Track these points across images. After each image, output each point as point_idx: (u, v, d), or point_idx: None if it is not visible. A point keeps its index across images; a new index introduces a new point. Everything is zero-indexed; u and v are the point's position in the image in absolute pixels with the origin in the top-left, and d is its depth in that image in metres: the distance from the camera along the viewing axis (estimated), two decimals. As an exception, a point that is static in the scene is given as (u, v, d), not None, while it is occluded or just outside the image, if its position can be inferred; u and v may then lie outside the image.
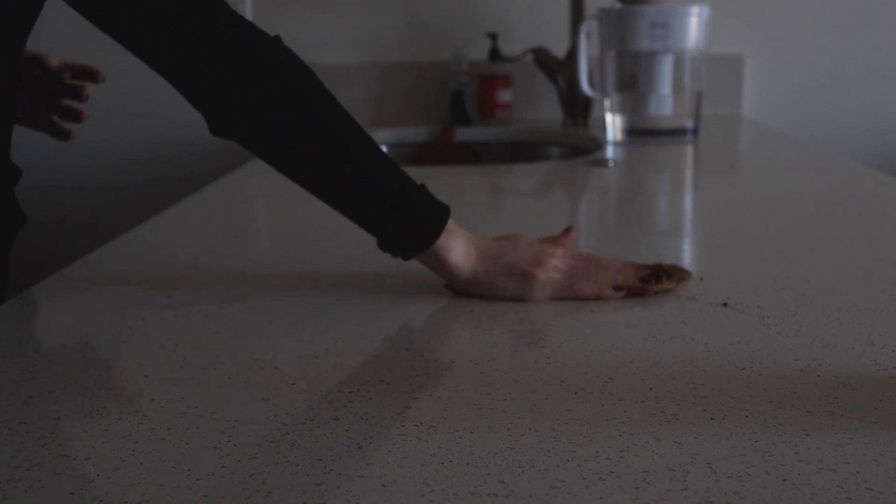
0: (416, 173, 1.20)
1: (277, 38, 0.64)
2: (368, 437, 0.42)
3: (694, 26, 1.33)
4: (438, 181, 1.12)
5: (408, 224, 0.63)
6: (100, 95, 1.97)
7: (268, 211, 0.98)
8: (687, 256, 0.74)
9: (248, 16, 1.82)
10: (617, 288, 0.63)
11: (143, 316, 0.61)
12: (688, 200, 0.98)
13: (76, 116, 0.79)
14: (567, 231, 0.71)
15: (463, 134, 1.68)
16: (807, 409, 0.43)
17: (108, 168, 1.94)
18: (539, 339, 0.54)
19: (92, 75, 0.82)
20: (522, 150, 1.67)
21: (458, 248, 0.64)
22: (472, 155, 1.68)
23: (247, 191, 1.11)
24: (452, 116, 1.76)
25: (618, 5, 1.38)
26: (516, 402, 0.45)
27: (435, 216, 0.63)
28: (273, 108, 0.63)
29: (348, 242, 0.81)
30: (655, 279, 0.63)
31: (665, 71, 1.35)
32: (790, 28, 1.78)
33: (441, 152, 1.64)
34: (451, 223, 0.64)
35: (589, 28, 1.48)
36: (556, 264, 0.64)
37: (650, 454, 0.39)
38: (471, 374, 0.49)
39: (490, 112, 1.74)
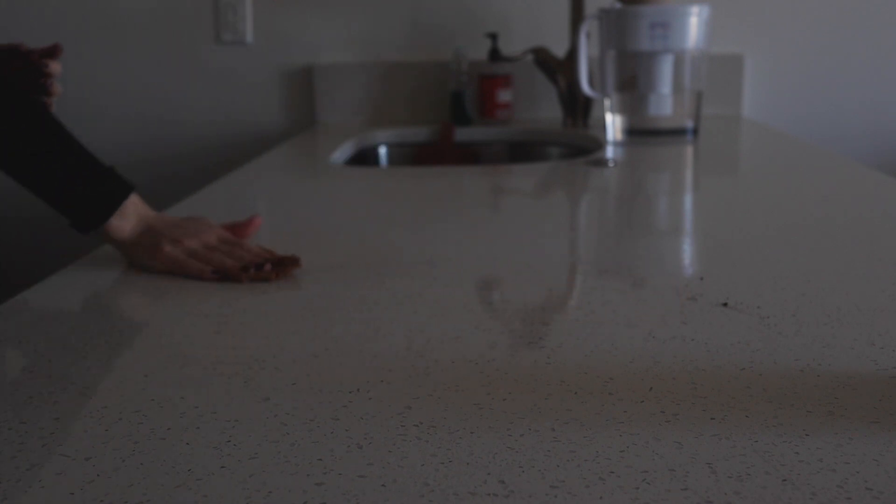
0: (417, 173, 1.20)
1: None
2: (368, 437, 0.42)
3: (694, 26, 1.33)
4: (438, 181, 1.12)
5: (87, 205, 0.72)
6: (99, 97, 1.97)
7: (268, 211, 0.98)
8: (687, 256, 0.74)
9: (248, 16, 1.82)
10: (214, 272, 0.69)
11: (143, 316, 0.61)
12: (688, 200, 0.98)
13: (50, 91, 0.86)
14: (250, 219, 0.80)
15: (463, 134, 1.68)
16: (807, 409, 0.43)
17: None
18: (539, 339, 0.54)
19: (54, 51, 0.87)
20: (522, 150, 1.67)
21: (126, 227, 0.73)
22: (472, 155, 1.68)
23: (247, 191, 1.11)
24: (452, 116, 1.76)
25: (618, 5, 1.38)
26: (516, 402, 0.45)
27: (110, 199, 0.73)
28: None
29: (348, 242, 0.81)
30: (256, 267, 0.69)
31: (665, 71, 1.35)
32: (790, 28, 1.78)
33: (441, 152, 1.64)
34: (129, 205, 0.74)
35: (589, 28, 1.48)
36: (190, 244, 0.72)
37: (650, 454, 0.39)
38: (471, 374, 0.49)
39: (490, 112, 1.74)
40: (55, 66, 0.86)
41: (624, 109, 1.41)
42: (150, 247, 0.72)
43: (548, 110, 1.81)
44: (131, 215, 0.74)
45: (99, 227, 0.72)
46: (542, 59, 1.64)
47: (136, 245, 0.73)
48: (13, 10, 1.85)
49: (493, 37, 1.67)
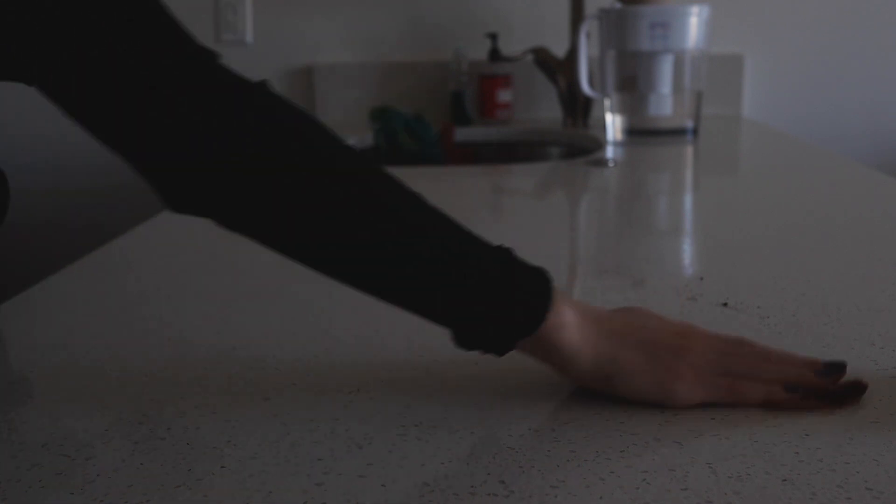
0: (417, 173, 1.20)
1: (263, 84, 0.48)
2: (368, 437, 0.42)
3: (694, 26, 1.33)
4: (438, 181, 1.12)
5: (501, 307, 0.44)
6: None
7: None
8: (687, 256, 0.74)
9: (248, 16, 1.82)
10: (790, 388, 0.44)
11: (143, 316, 0.61)
12: (688, 200, 0.98)
13: None
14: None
15: (463, 134, 1.68)
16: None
17: (108, 169, 1.94)
18: (539, 339, 0.54)
19: None
20: (522, 150, 1.67)
21: (571, 324, 0.45)
22: (472, 155, 1.68)
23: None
24: (452, 116, 1.76)
25: (618, 5, 1.38)
26: (516, 402, 0.45)
27: (535, 289, 0.45)
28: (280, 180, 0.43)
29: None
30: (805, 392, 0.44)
31: (665, 71, 1.35)
32: (790, 28, 1.78)
33: (441, 152, 1.64)
34: (554, 292, 0.45)
35: (589, 28, 1.48)
36: (705, 353, 0.45)
37: (650, 454, 0.39)
38: (471, 374, 0.49)
39: (490, 112, 1.74)
40: None
41: (624, 109, 1.41)
42: (657, 369, 0.44)
43: (548, 110, 1.80)
44: (569, 323, 0.45)
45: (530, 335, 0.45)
46: (542, 59, 1.64)
47: (616, 360, 0.45)
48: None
49: (493, 37, 1.67)
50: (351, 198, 0.44)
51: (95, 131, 0.45)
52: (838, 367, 0.45)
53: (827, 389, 0.44)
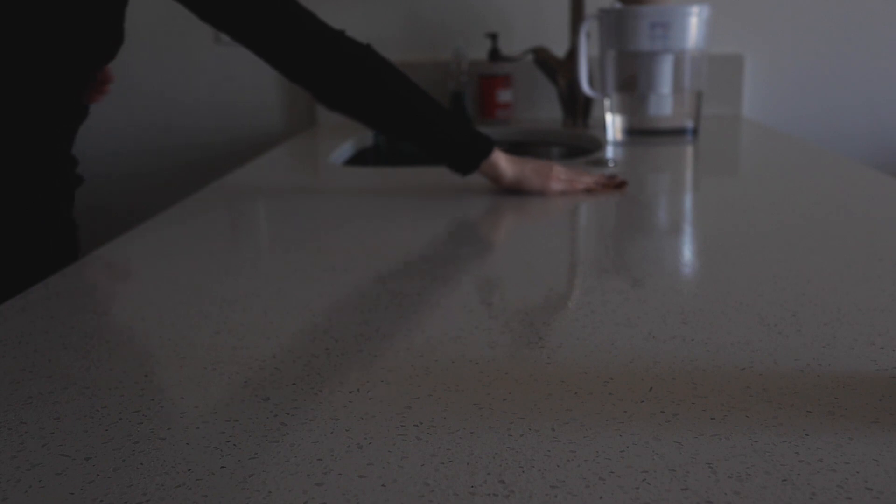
0: (417, 173, 1.20)
1: (368, 46, 0.98)
2: (368, 437, 0.42)
3: (694, 26, 1.33)
4: (439, 181, 1.12)
5: (472, 148, 1.00)
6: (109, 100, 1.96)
7: (268, 211, 0.98)
8: (687, 256, 0.74)
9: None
10: (587, 190, 1.04)
11: (143, 316, 0.61)
12: (688, 200, 0.98)
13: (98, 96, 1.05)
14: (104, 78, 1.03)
15: (463, 134, 1.67)
16: (807, 409, 0.43)
17: (108, 169, 1.94)
18: (539, 339, 0.54)
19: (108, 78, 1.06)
20: (522, 150, 1.67)
21: (501, 156, 1.01)
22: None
23: (247, 191, 1.11)
24: (452, 116, 1.76)
25: (618, 5, 1.38)
26: (516, 402, 0.45)
27: (484, 140, 1.01)
28: (369, 92, 0.96)
29: (348, 242, 0.81)
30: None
31: (665, 71, 1.35)
32: (790, 28, 1.78)
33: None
34: (500, 154, 1.01)
35: (589, 28, 1.48)
36: (560, 170, 1.03)
37: (650, 454, 0.39)
38: (471, 374, 0.49)
39: (490, 112, 1.74)
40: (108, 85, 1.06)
41: (624, 109, 1.41)
42: (538, 182, 1.02)
43: (548, 110, 1.81)
44: (502, 157, 1.02)
45: (478, 167, 1.00)
46: (542, 59, 1.64)
47: (521, 180, 1.02)
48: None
49: (493, 37, 1.67)
50: (408, 91, 0.97)
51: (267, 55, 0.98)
52: (614, 177, 1.04)
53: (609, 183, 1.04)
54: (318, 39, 0.94)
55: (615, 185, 1.03)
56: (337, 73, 0.95)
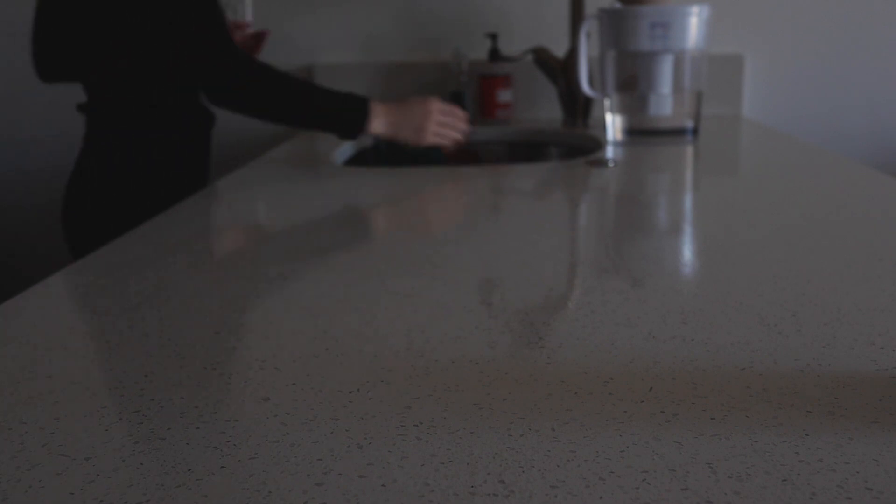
0: (417, 173, 1.20)
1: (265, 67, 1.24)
2: (368, 437, 0.42)
3: (694, 26, 1.33)
4: (439, 181, 1.12)
5: (351, 123, 1.23)
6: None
7: (268, 211, 0.98)
8: (687, 256, 0.74)
9: (249, 16, 1.82)
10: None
11: (143, 316, 0.61)
12: (688, 200, 0.98)
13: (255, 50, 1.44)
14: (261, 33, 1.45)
15: (463, 134, 1.67)
16: (807, 409, 0.43)
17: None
18: (539, 339, 0.54)
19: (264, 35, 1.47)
20: (522, 150, 1.67)
21: (379, 116, 1.25)
22: (472, 155, 1.68)
23: (247, 191, 1.11)
24: (452, 116, 1.75)
25: (618, 5, 1.38)
26: (516, 402, 0.45)
27: (362, 109, 1.23)
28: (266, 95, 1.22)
29: (348, 242, 0.81)
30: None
31: (665, 71, 1.35)
32: (790, 28, 1.78)
33: (441, 152, 1.64)
34: (371, 106, 1.24)
35: (589, 28, 1.48)
36: (432, 124, 1.26)
37: (650, 454, 0.39)
38: (471, 374, 0.49)
39: (490, 112, 1.74)
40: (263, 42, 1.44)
41: (624, 109, 1.41)
42: (409, 137, 1.27)
43: (548, 110, 1.81)
44: (379, 115, 1.25)
45: (363, 132, 1.24)
46: (542, 59, 1.64)
47: (395, 136, 1.26)
48: (20, 7, 1.85)
49: (493, 37, 1.67)
50: (298, 87, 1.22)
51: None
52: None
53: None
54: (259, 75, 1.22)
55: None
56: (267, 97, 1.22)
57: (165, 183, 1.31)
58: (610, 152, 1.32)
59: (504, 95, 1.74)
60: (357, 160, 1.58)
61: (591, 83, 1.50)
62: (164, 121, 1.29)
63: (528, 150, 1.66)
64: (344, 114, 1.22)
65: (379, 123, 1.23)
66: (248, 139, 1.89)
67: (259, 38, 1.46)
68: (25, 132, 1.89)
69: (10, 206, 1.92)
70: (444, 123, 1.27)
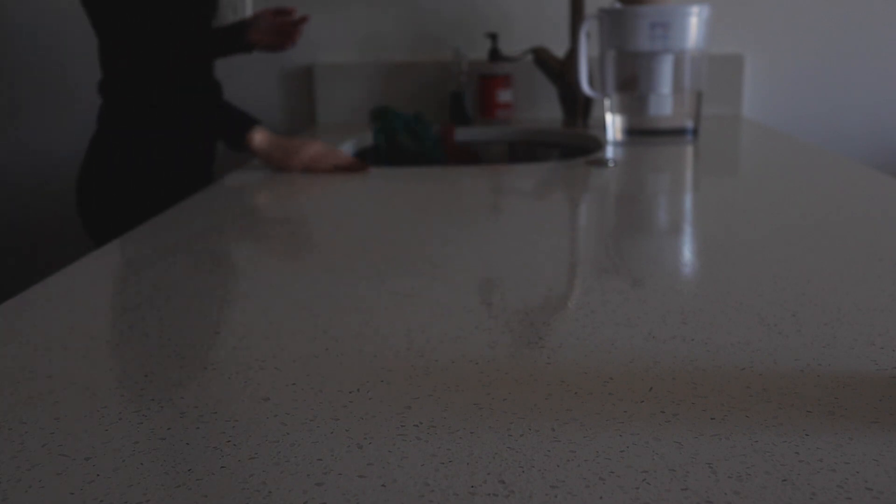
0: (417, 173, 1.20)
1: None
2: (368, 437, 0.42)
3: (694, 26, 1.33)
4: (439, 181, 1.12)
5: (236, 137, 1.26)
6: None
7: (268, 211, 0.98)
8: (687, 256, 0.74)
9: (248, 16, 1.82)
10: (336, 167, 1.26)
11: (143, 316, 0.61)
12: (688, 200, 0.98)
13: (292, 38, 1.33)
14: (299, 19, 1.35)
15: (463, 134, 1.68)
16: (807, 409, 0.43)
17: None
18: (539, 339, 0.54)
19: (292, 14, 1.40)
20: (522, 150, 1.67)
21: (258, 139, 1.26)
22: (472, 155, 1.68)
23: (247, 191, 1.11)
24: (452, 116, 1.76)
25: (618, 5, 1.38)
26: (516, 402, 0.45)
27: (247, 127, 1.26)
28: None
29: (347, 242, 0.81)
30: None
31: (665, 71, 1.35)
32: (790, 28, 1.78)
33: (441, 152, 1.64)
34: (259, 130, 1.27)
35: (589, 28, 1.48)
36: (305, 155, 1.26)
37: (650, 454, 0.39)
38: (471, 374, 0.49)
39: (490, 112, 1.74)
40: (299, 29, 1.36)
41: (624, 109, 1.41)
42: (280, 159, 1.25)
43: (548, 110, 1.81)
44: (260, 139, 1.26)
45: (243, 145, 1.26)
46: (542, 59, 1.64)
47: (269, 157, 1.26)
48: (24, 7, 1.85)
49: (493, 37, 1.67)
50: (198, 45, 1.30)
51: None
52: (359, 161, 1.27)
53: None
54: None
55: (357, 167, 1.24)
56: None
57: (166, 182, 1.33)
58: (610, 152, 1.32)
59: (504, 95, 1.74)
60: (357, 160, 1.58)
61: (591, 83, 1.50)
62: (165, 120, 1.31)
63: (528, 150, 1.66)
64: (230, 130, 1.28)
65: (259, 146, 1.25)
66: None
67: (301, 21, 1.46)
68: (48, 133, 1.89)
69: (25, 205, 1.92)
70: (316, 158, 1.26)
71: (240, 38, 1.28)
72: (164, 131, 1.33)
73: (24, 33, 1.87)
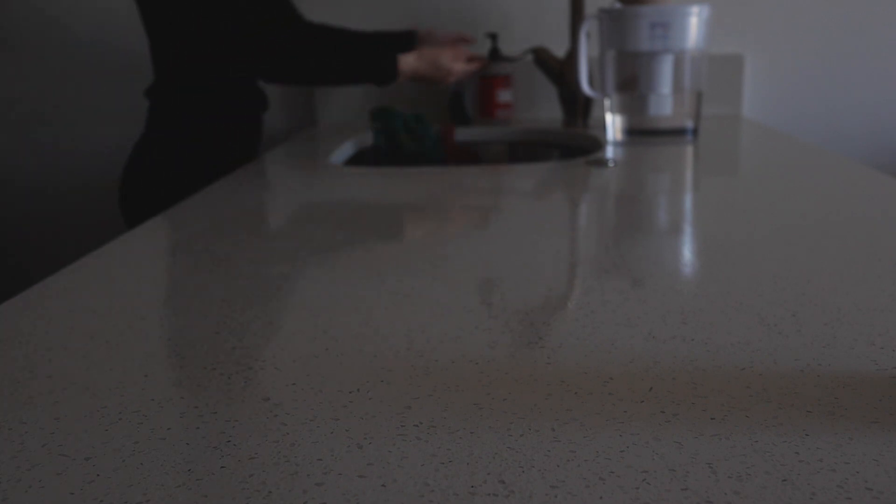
0: (417, 173, 1.20)
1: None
2: (368, 437, 0.42)
3: (694, 26, 1.33)
4: (439, 181, 1.12)
5: (385, 72, 1.45)
6: (103, 96, 1.97)
7: (268, 211, 0.98)
8: (687, 256, 0.74)
9: (248, 16, 1.82)
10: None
11: (143, 316, 0.61)
12: (688, 200, 0.98)
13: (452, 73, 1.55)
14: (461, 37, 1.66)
15: (463, 134, 1.68)
16: (807, 409, 0.43)
17: (107, 170, 1.94)
18: (539, 339, 0.54)
19: (465, 40, 1.68)
20: (522, 150, 1.67)
21: (406, 68, 1.46)
22: (472, 155, 1.68)
23: (247, 191, 1.11)
24: (452, 116, 1.76)
25: (618, 5, 1.38)
26: (516, 402, 0.45)
27: (392, 62, 1.45)
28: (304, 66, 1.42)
29: (347, 242, 0.81)
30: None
31: (665, 71, 1.35)
32: (790, 28, 1.78)
33: (441, 152, 1.64)
34: (400, 59, 1.46)
35: (589, 28, 1.48)
36: (452, 67, 1.49)
37: (650, 454, 0.39)
38: (471, 374, 0.49)
39: (490, 112, 1.74)
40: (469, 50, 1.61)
41: (624, 109, 1.41)
42: (433, 79, 1.51)
43: (548, 110, 1.81)
44: (409, 62, 1.47)
45: (395, 80, 1.47)
46: (542, 59, 1.64)
47: (422, 79, 1.50)
48: (25, 12, 1.85)
49: (493, 37, 1.67)
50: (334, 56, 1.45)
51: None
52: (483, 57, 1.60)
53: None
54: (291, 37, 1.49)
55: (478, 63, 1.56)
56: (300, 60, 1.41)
57: (218, 166, 1.39)
58: (610, 152, 1.32)
59: (504, 95, 1.74)
60: (357, 160, 1.58)
61: (591, 83, 1.50)
62: (219, 105, 1.37)
63: (528, 150, 1.66)
64: (374, 69, 1.44)
65: (410, 70, 1.46)
66: (248, 139, 1.89)
67: (478, 61, 1.62)
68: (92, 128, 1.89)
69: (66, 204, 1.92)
70: (460, 68, 1.51)
71: (393, 56, 1.48)
72: (209, 137, 1.36)
73: (60, 39, 1.87)
